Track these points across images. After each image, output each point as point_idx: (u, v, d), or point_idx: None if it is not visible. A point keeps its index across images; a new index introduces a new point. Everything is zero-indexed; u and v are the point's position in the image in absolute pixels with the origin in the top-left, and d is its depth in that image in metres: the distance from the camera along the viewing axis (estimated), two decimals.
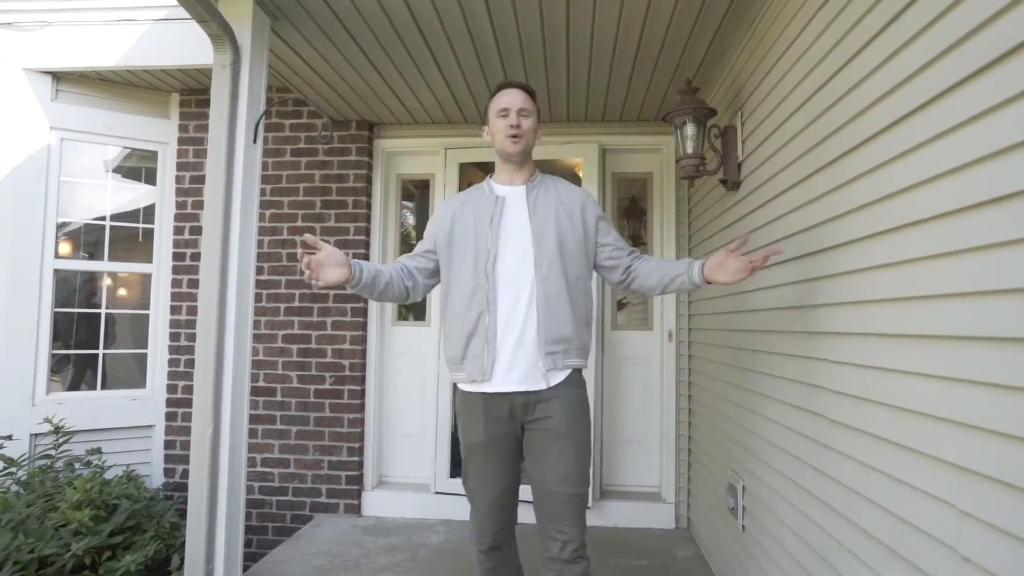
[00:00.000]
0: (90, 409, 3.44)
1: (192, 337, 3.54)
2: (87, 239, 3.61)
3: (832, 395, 1.55)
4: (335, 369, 3.55)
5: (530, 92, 1.84)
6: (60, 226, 3.48)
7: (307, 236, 1.59)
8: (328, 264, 1.59)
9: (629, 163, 3.74)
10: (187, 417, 3.55)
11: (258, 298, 3.58)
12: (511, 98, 1.80)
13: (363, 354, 3.58)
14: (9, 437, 3.08)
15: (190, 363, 3.55)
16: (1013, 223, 0.91)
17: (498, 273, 1.74)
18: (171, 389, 3.62)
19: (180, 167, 3.69)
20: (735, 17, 2.38)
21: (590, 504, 3.37)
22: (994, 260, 0.96)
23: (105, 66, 3.36)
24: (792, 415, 1.84)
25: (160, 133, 3.70)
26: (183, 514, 2.20)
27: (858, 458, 1.40)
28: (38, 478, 2.89)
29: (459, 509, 3.42)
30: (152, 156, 3.73)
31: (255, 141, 2.35)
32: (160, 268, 3.68)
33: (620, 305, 3.77)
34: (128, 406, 3.58)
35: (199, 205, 3.64)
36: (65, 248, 3.53)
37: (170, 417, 3.61)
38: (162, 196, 3.72)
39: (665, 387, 3.53)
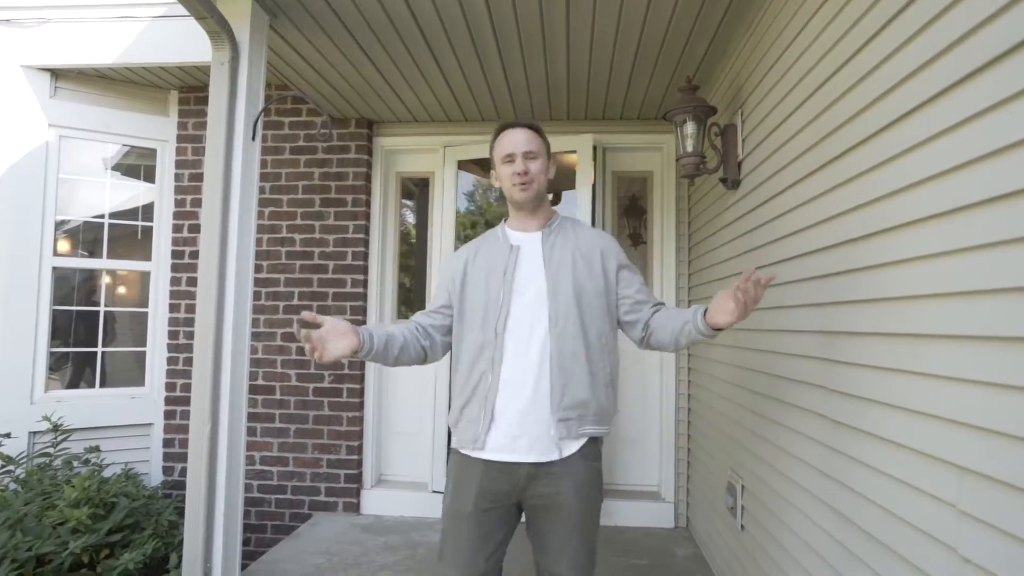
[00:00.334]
0: (89, 407, 3.44)
1: (191, 335, 3.53)
2: (86, 237, 3.60)
3: (831, 394, 1.55)
4: (334, 367, 3.54)
5: (536, 129, 1.68)
6: (59, 224, 3.47)
7: (305, 314, 1.44)
8: (331, 338, 1.43)
9: (629, 161, 3.73)
10: (186, 415, 3.55)
11: (257, 296, 3.57)
12: (514, 140, 1.64)
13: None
14: (8, 435, 3.08)
15: (189, 361, 3.54)
16: (1013, 221, 0.91)
17: (509, 330, 1.58)
18: (170, 387, 3.61)
19: (179, 165, 3.68)
20: (736, 15, 2.37)
21: None
22: (992, 259, 0.95)
23: (104, 63, 3.35)
24: (791, 414, 1.83)
25: (159, 131, 3.69)
26: (181, 512, 2.20)
27: (857, 457, 1.40)
28: (36, 476, 2.89)
29: None
30: (151, 154, 3.73)
31: (254, 138, 2.35)
32: (159, 266, 3.68)
33: None
34: (127, 404, 3.58)
35: (198, 203, 3.63)
36: (64, 246, 3.53)
37: (169, 415, 3.61)
38: (161, 194, 3.71)
39: (665, 386, 3.53)
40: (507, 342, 1.57)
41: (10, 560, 2.28)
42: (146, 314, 3.68)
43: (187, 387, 3.55)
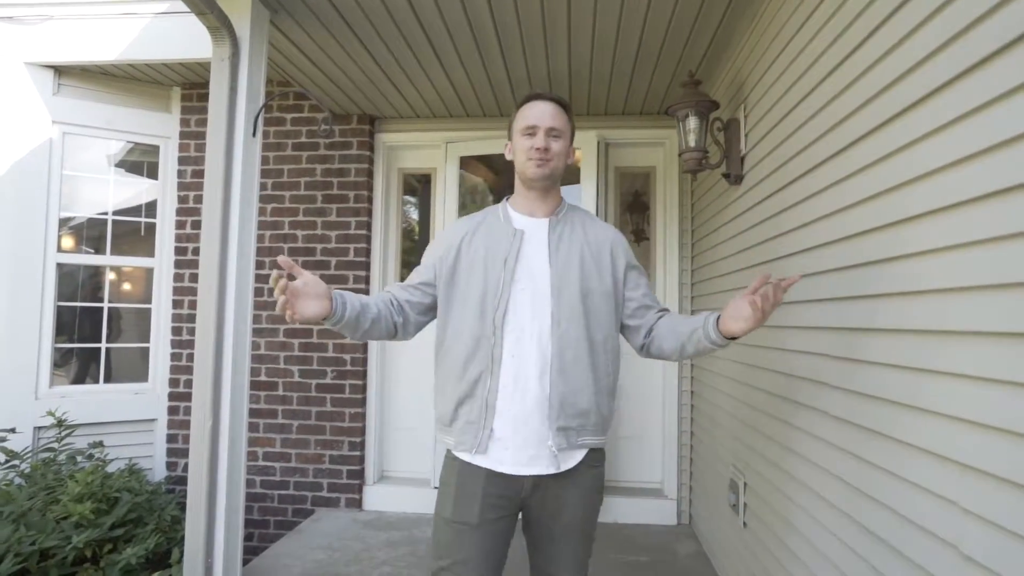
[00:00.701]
0: (93, 403, 3.45)
1: (194, 331, 3.53)
2: (90, 233, 3.61)
3: (833, 391, 1.54)
4: (336, 364, 3.55)
5: (565, 107, 1.53)
6: (64, 221, 3.48)
7: (281, 258, 1.27)
8: (307, 294, 1.28)
9: (631, 157, 3.71)
10: (189, 411, 3.54)
11: (260, 292, 3.56)
12: (539, 112, 1.48)
13: (364, 348, 3.57)
14: (12, 430, 3.09)
15: (192, 357, 3.53)
16: (1019, 216, 0.89)
17: (508, 326, 1.44)
18: (173, 383, 3.62)
19: (182, 161, 3.69)
20: (738, 8, 2.35)
21: None
22: (990, 255, 0.94)
23: (106, 60, 3.36)
24: (794, 411, 1.82)
25: (161, 127, 3.70)
26: (184, 507, 2.20)
27: (858, 454, 1.39)
28: (40, 471, 2.90)
29: None
30: (154, 150, 3.73)
31: (254, 134, 2.34)
32: (162, 262, 3.69)
33: None
34: (130, 400, 3.59)
35: (201, 199, 3.57)
36: (68, 242, 3.54)
37: (172, 411, 3.62)
38: (164, 190, 3.72)
39: (667, 381, 3.51)
40: (506, 339, 1.44)
41: (14, 554, 2.30)
42: (150, 310, 3.69)
43: (190, 383, 3.54)
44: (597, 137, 3.53)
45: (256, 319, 3.56)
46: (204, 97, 3.64)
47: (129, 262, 3.69)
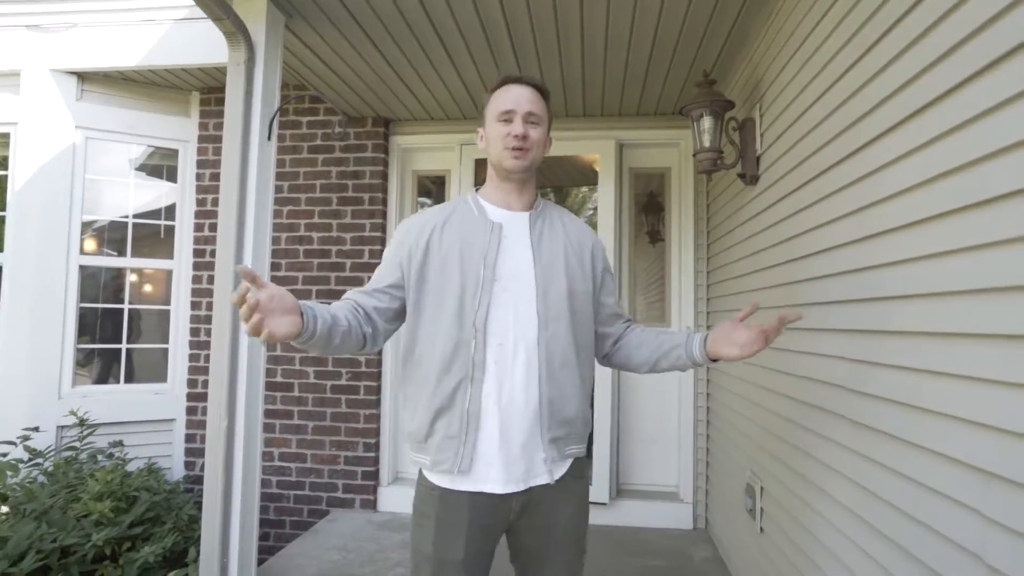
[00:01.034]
0: (114, 402, 3.51)
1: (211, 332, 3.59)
2: (112, 236, 3.68)
3: (849, 394, 1.51)
4: (351, 365, 3.57)
5: (542, 91, 1.42)
6: (86, 224, 3.55)
7: (240, 267, 1.06)
8: (275, 310, 1.08)
9: (647, 158, 3.68)
10: (207, 411, 3.60)
11: None
12: (516, 97, 1.37)
13: (379, 350, 3.59)
14: (36, 429, 3.16)
15: (210, 358, 3.59)
16: None
17: (491, 328, 1.31)
18: (191, 384, 3.67)
19: (200, 164, 3.74)
20: (753, 8, 2.32)
21: (606, 501, 3.34)
22: (1012, 256, 0.91)
23: (128, 66, 3.42)
24: (809, 414, 1.79)
25: (181, 131, 3.76)
26: (201, 507, 2.23)
27: (876, 459, 1.36)
28: (62, 469, 2.96)
29: None
30: (173, 154, 3.79)
31: (269, 138, 2.37)
32: (181, 264, 3.74)
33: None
34: (150, 400, 3.65)
35: (218, 202, 3.68)
36: (91, 245, 3.60)
37: (190, 411, 3.67)
38: (183, 193, 3.78)
39: (683, 385, 3.48)
40: (489, 342, 1.30)
41: (35, 551, 2.34)
42: (169, 311, 3.74)
43: (208, 383, 3.61)
44: (613, 138, 3.52)
45: None
46: (222, 101, 3.64)
47: (149, 264, 3.75)
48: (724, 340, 1.33)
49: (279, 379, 3.60)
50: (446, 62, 2.90)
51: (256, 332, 1.05)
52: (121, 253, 3.67)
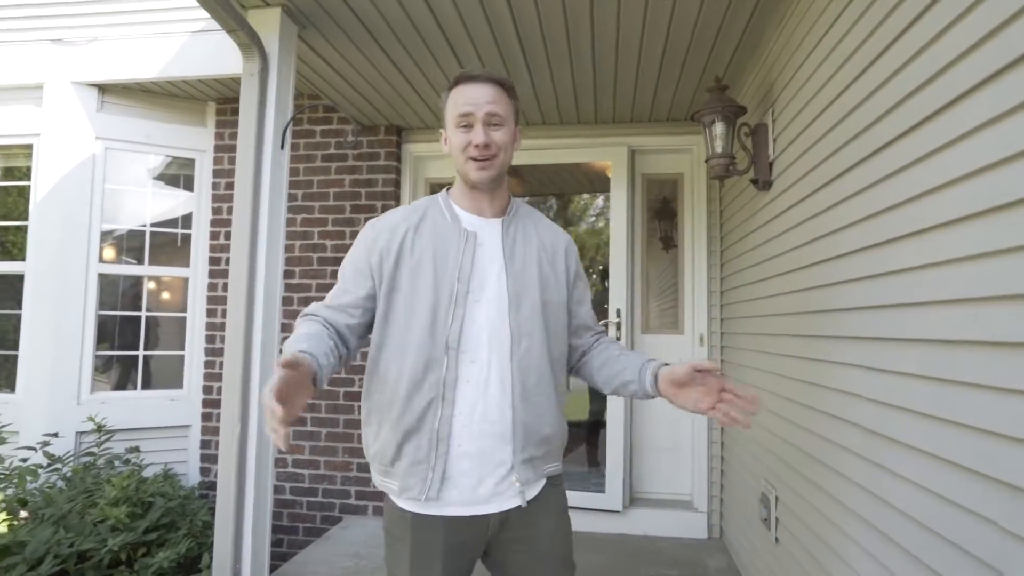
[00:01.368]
0: (131, 408, 3.56)
1: None
2: (130, 244, 3.74)
3: (867, 403, 1.48)
4: (363, 372, 3.57)
5: (505, 87, 1.28)
6: (106, 233, 3.61)
7: (286, 358, 1.00)
8: (301, 390, 1.04)
9: (659, 164, 3.67)
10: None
11: (290, 301, 3.64)
12: (473, 97, 1.24)
13: None
14: (55, 435, 3.21)
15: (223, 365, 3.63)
16: None
17: (464, 345, 1.22)
18: (207, 390, 3.71)
19: (216, 174, 3.79)
20: (765, 12, 2.31)
21: (620, 509, 3.31)
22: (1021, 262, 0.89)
23: (147, 77, 3.49)
24: (823, 423, 1.76)
25: (197, 141, 3.82)
26: (215, 513, 2.25)
27: (894, 470, 1.33)
28: (80, 475, 3.00)
29: None
30: (190, 164, 3.85)
31: (283, 147, 2.39)
32: (197, 272, 3.79)
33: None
34: (166, 406, 3.69)
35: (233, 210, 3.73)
36: (110, 253, 3.67)
37: (205, 417, 3.71)
38: (199, 202, 3.83)
39: None
40: (461, 360, 1.22)
41: (53, 555, 2.37)
42: (186, 319, 3.79)
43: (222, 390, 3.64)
44: (625, 145, 3.51)
45: (286, 328, 3.62)
46: (237, 111, 3.66)
47: (166, 272, 3.80)
48: (675, 386, 1.23)
49: None
50: (457, 70, 2.90)
51: (282, 421, 0.94)
52: (139, 261, 3.73)
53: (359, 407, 3.54)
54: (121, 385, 3.68)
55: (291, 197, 3.67)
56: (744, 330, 2.85)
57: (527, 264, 1.30)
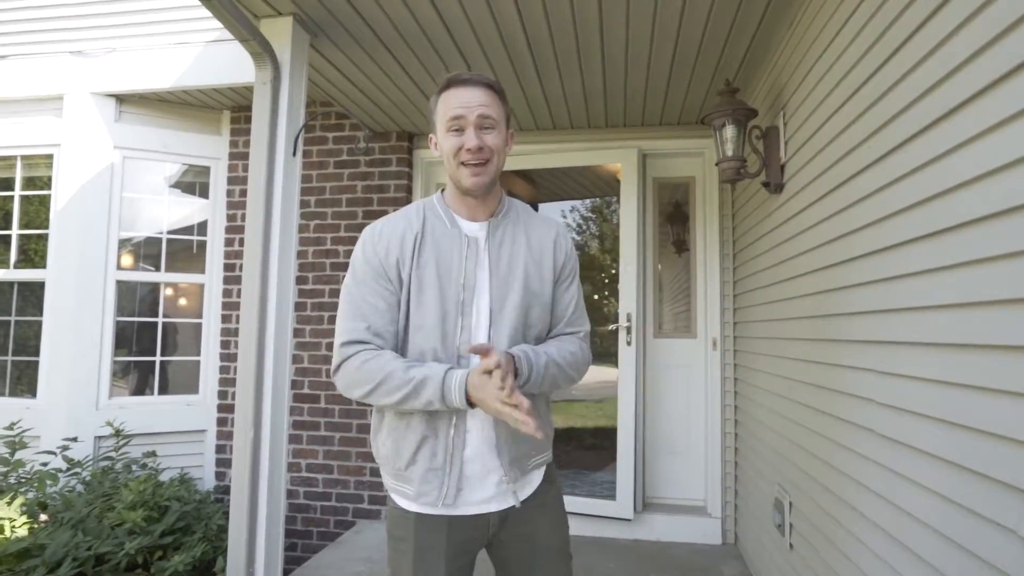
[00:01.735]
0: (148, 413, 3.61)
1: None
2: (148, 251, 3.80)
3: (881, 408, 1.46)
4: None
5: (496, 90, 1.27)
6: (124, 240, 3.68)
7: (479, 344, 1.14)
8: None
9: (671, 168, 3.66)
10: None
11: (303, 307, 3.68)
12: (464, 99, 1.22)
13: None
14: (75, 439, 3.26)
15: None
16: None
17: (470, 356, 1.23)
18: (222, 395, 3.75)
19: (231, 181, 3.84)
20: (775, 15, 2.30)
21: (630, 517, 3.29)
22: None
23: (163, 87, 3.55)
24: (837, 428, 1.73)
25: (212, 149, 3.87)
26: (229, 517, 2.27)
27: (909, 476, 1.31)
28: (99, 479, 3.04)
29: None
30: (206, 171, 3.91)
31: (295, 154, 2.42)
32: (212, 279, 3.84)
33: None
34: (183, 411, 3.73)
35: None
36: (128, 260, 3.73)
37: (221, 422, 3.74)
38: (214, 209, 3.88)
39: (710, 397, 3.42)
40: (470, 366, 1.22)
41: (71, 559, 2.41)
42: (201, 324, 3.84)
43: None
44: (636, 148, 3.50)
45: (299, 333, 3.66)
46: (251, 119, 3.79)
47: (182, 279, 3.85)
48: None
49: (306, 391, 3.66)
50: None
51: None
52: (156, 268, 3.78)
53: (371, 411, 3.57)
54: (139, 390, 3.73)
55: (304, 203, 3.71)
56: (757, 334, 2.82)
57: (513, 266, 1.28)
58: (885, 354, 1.44)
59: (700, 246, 3.53)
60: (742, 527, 3.15)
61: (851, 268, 1.65)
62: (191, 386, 3.81)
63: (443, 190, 1.35)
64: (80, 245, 3.52)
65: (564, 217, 4.17)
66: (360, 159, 3.72)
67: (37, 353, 3.53)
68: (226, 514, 3.09)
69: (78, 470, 3.13)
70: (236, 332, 3.74)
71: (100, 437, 3.45)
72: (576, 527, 3.27)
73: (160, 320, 3.77)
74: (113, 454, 3.29)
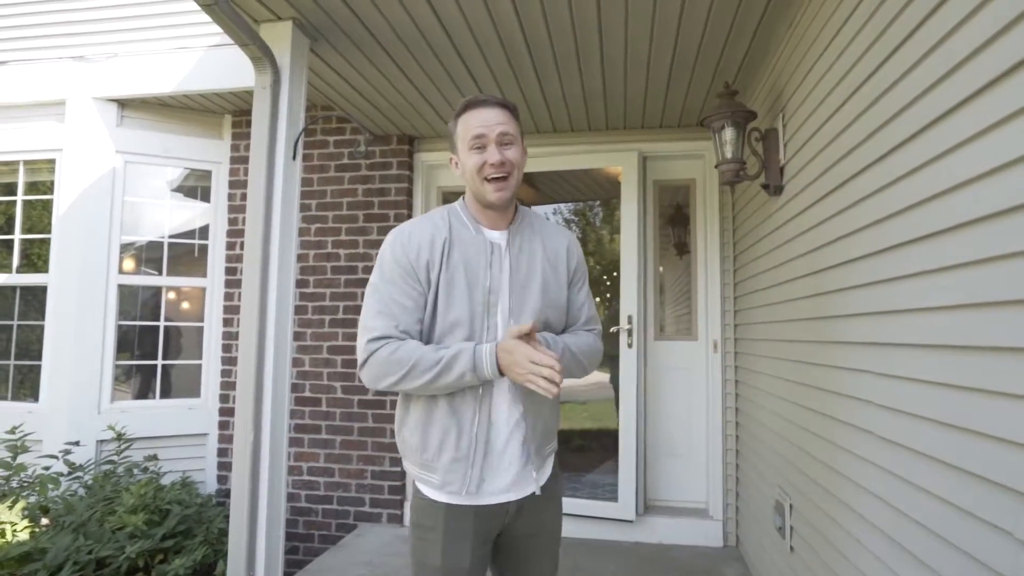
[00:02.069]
0: (150, 417, 3.62)
1: None
2: (150, 255, 3.81)
3: (879, 410, 1.45)
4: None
5: (510, 108, 1.37)
6: (126, 245, 3.69)
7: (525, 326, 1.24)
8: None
9: (671, 170, 3.66)
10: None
11: (304, 310, 3.68)
12: (485, 119, 1.32)
13: None
14: (77, 443, 3.27)
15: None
16: None
17: None
18: (223, 399, 3.75)
19: (232, 185, 3.85)
20: (774, 17, 2.30)
21: (632, 518, 3.28)
22: None
23: (164, 92, 3.57)
24: (837, 430, 1.73)
25: (214, 153, 3.88)
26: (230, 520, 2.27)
27: (908, 478, 1.30)
28: (100, 483, 3.05)
29: None
30: (207, 175, 3.92)
31: (294, 158, 2.43)
32: (214, 282, 3.85)
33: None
34: (185, 415, 3.74)
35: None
36: (129, 264, 3.74)
37: (223, 426, 3.75)
38: (215, 213, 3.89)
39: (711, 399, 3.41)
40: None
41: (72, 562, 2.41)
42: (203, 328, 3.85)
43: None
44: (636, 151, 3.51)
45: (300, 336, 3.67)
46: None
47: (183, 283, 3.86)
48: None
49: (308, 394, 3.66)
50: (467, 80, 2.94)
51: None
52: (158, 272, 3.79)
53: (372, 415, 3.58)
54: (141, 394, 3.74)
55: (305, 207, 3.72)
56: (757, 336, 2.82)
57: (532, 271, 1.38)
58: (883, 356, 1.44)
59: (701, 248, 3.53)
60: (743, 529, 3.14)
61: (850, 270, 1.64)
62: (193, 390, 3.82)
63: (463, 198, 1.43)
64: (82, 249, 3.54)
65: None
66: (361, 162, 3.73)
67: (39, 357, 3.54)
68: (227, 517, 3.08)
69: (80, 474, 3.14)
70: (238, 336, 3.73)
71: (102, 441, 3.46)
72: (577, 529, 3.30)
73: (162, 324, 3.78)
74: (115, 458, 3.30)
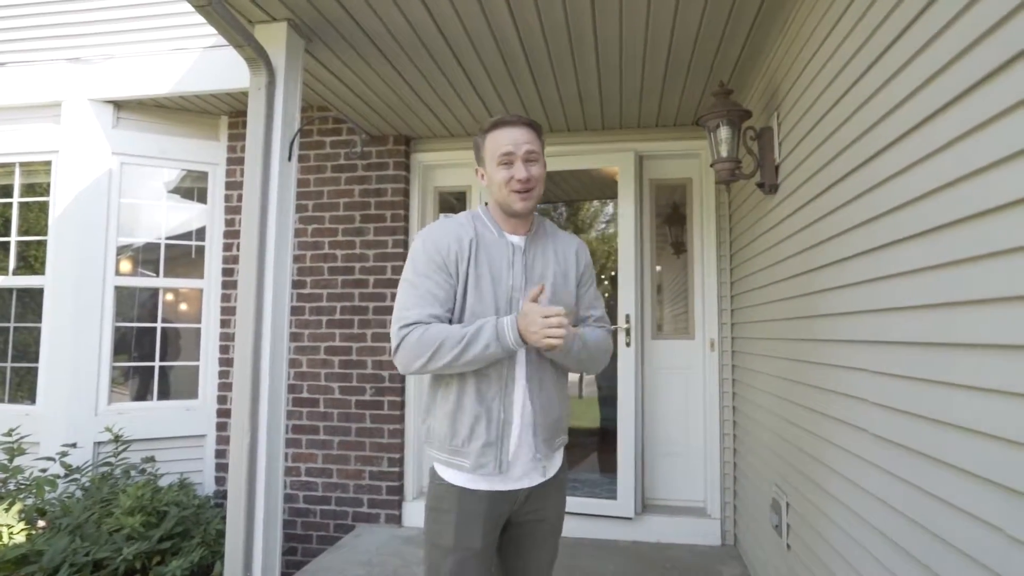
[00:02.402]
0: (148, 419, 3.61)
1: None
2: (146, 257, 3.81)
3: (871, 407, 1.46)
4: (375, 380, 3.60)
5: (534, 127, 1.49)
6: (122, 247, 3.68)
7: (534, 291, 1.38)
8: None
9: (667, 169, 3.66)
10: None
11: (301, 311, 3.68)
12: (513, 137, 1.45)
13: None
14: (74, 445, 3.27)
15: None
16: None
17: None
18: (221, 400, 3.75)
19: (228, 186, 3.85)
20: (768, 16, 2.30)
21: (631, 516, 3.29)
22: None
23: (161, 93, 3.56)
24: (832, 428, 1.73)
25: (210, 154, 3.88)
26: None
27: (901, 476, 1.31)
28: (97, 484, 3.05)
29: None
30: (204, 177, 3.92)
31: (290, 159, 2.43)
32: (211, 284, 3.85)
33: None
34: (182, 416, 3.74)
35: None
36: (126, 266, 3.74)
37: (220, 427, 3.75)
38: (212, 214, 3.89)
39: (708, 398, 3.41)
40: (516, 364, 1.46)
41: (68, 564, 2.41)
42: (200, 329, 3.84)
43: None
44: (632, 150, 3.51)
45: (298, 337, 3.66)
46: None
47: (180, 284, 3.86)
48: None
49: (305, 395, 3.66)
50: (463, 81, 2.94)
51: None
52: (155, 274, 3.79)
53: (370, 416, 3.58)
54: (139, 396, 3.74)
55: (302, 208, 3.72)
56: (754, 334, 2.82)
57: (544, 274, 1.51)
58: (877, 354, 1.44)
59: (697, 247, 3.53)
60: (741, 528, 3.14)
61: (843, 268, 1.65)
62: (190, 391, 3.81)
63: (486, 205, 1.57)
64: (79, 251, 3.53)
65: (559, 228, 4.18)
66: (357, 163, 3.72)
67: (36, 359, 3.54)
68: (225, 519, 3.10)
69: (77, 476, 3.13)
70: (235, 337, 3.74)
71: (99, 443, 3.46)
72: (576, 527, 3.30)
73: (159, 325, 3.78)
74: (112, 460, 3.29)
